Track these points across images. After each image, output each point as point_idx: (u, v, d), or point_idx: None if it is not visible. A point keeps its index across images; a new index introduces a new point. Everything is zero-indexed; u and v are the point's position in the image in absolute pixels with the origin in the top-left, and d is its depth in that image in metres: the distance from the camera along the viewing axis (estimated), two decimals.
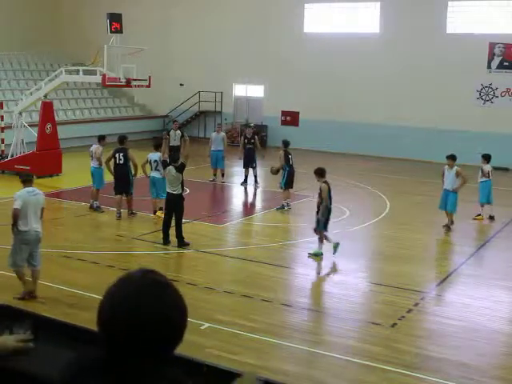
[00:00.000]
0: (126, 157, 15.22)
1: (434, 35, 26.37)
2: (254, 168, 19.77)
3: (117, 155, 15.32)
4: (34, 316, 2.46)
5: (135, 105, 32.31)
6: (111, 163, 15.47)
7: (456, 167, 15.05)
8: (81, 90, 31.29)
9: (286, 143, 17.14)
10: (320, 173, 12.73)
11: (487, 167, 16.39)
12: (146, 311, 1.75)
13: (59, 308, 9.43)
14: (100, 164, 15.78)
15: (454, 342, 8.80)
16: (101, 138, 16.12)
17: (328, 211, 12.58)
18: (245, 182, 19.97)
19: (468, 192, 16.28)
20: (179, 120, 31.60)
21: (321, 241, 12.61)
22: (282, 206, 16.71)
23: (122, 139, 15.64)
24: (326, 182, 12.60)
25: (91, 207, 16.00)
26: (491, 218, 16.28)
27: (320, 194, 12.54)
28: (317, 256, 12.51)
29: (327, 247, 12.53)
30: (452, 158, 15.24)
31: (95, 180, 15.96)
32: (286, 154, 16.80)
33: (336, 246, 12.43)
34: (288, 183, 16.71)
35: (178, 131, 20.32)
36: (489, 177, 16.31)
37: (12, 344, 2.15)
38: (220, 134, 20.47)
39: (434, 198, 17.92)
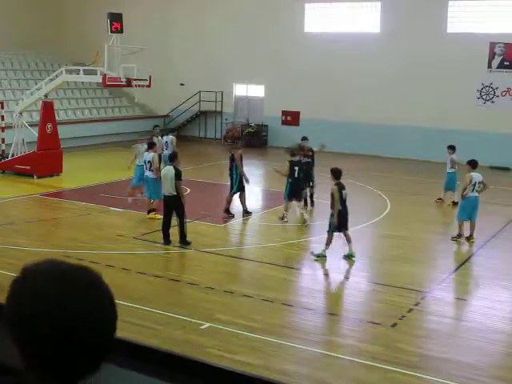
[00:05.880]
0: None
1: (434, 35, 26.35)
2: (312, 187, 16.56)
3: None
4: None
5: (135, 105, 32.28)
6: None
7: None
8: (81, 90, 31.27)
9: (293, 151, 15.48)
10: None
11: (455, 157, 17.36)
12: (75, 311, 1.40)
13: None
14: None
15: (455, 341, 8.81)
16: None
17: None
18: (306, 205, 16.37)
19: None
20: (179, 120, 31.78)
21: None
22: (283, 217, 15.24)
23: None
24: None
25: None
26: (455, 203, 16.73)
27: None
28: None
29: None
30: (474, 163, 14.21)
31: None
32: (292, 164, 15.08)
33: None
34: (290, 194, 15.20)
35: (160, 137, 18.41)
36: (456, 167, 17.30)
37: None
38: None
39: (434, 197, 17.96)
